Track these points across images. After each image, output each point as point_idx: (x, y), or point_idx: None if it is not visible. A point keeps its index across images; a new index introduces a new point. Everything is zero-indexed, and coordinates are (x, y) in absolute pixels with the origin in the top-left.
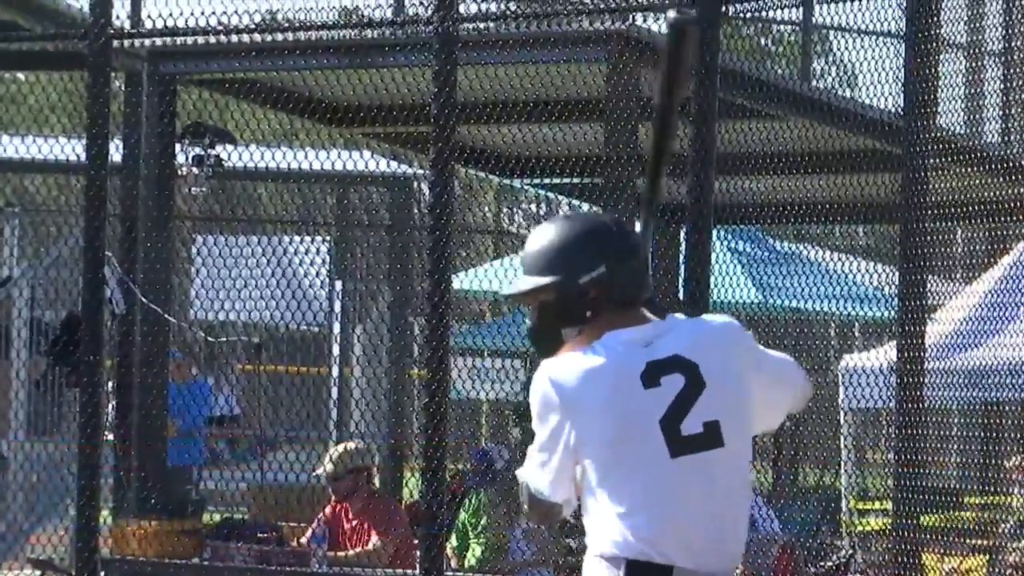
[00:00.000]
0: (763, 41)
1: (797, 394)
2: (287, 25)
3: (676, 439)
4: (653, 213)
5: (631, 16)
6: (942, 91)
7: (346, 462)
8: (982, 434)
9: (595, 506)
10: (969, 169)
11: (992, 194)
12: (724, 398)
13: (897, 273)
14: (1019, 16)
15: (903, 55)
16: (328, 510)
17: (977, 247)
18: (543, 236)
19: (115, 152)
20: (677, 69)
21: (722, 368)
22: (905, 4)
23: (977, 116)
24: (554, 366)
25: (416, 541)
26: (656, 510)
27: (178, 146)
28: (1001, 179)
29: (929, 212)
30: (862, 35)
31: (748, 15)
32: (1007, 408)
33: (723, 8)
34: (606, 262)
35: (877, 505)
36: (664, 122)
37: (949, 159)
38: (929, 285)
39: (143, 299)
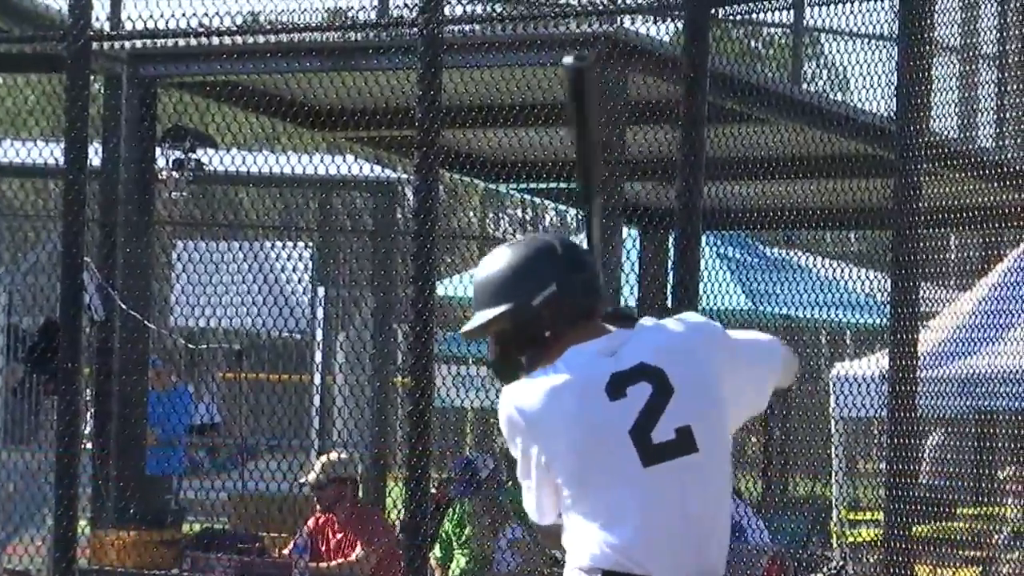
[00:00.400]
0: (753, 44)
1: (778, 369)
2: (269, 27)
3: (647, 448)
4: (600, 235)
5: (618, 18)
6: (935, 95)
7: (328, 472)
8: (975, 444)
9: (572, 522)
10: (963, 174)
11: (986, 200)
12: (694, 402)
13: (889, 280)
14: (1014, 19)
15: (895, 58)
16: (312, 522)
17: (971, 253)
18: (489, 268)
19: (94, 156)
20: (584, 112)
21: (689, 371)
22: (898, 6)
23: (971, 120)
24: (515, 390)
25: (400, 552)
26: (631, 521)
27: (158, 150)
28: (995, 184)
29: (922, 218)
30: (854, 38)
31: (738, 17)
32: (1001, 417)
33: (712, 10)
34: (555, 280)
35: (868, 515)
36: (588, 163)
37: (942, 164)
38: (922, 292)
39: (122, 305)
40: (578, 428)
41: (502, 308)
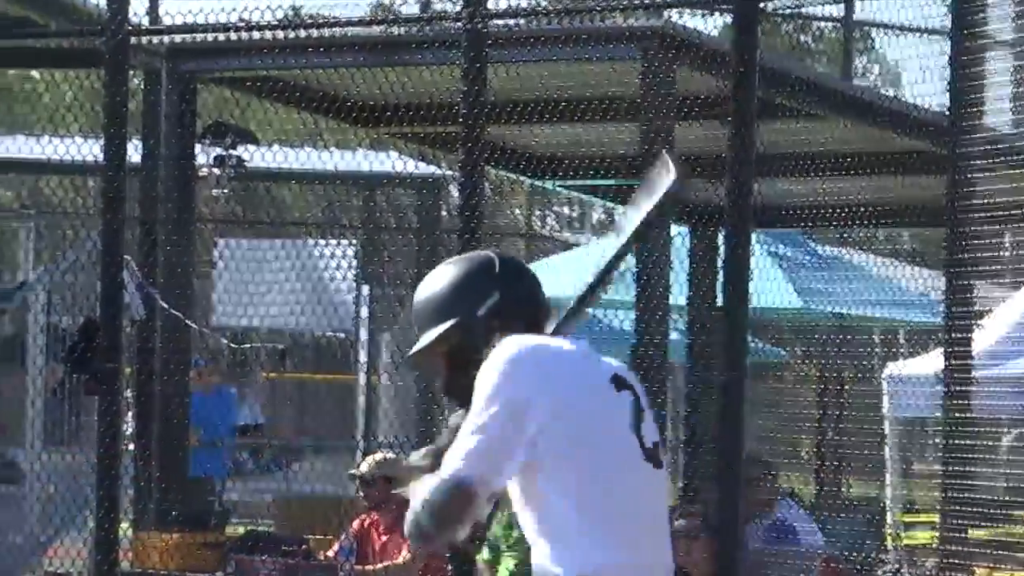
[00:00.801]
0: (803, 38)
1: None
2: (311, 21)
3: (644, 448)
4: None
5: (666, 12)
6: (989, 90)
7: (381, 468)
8: None
9: (562, 509)
10: (1018, 170)
11: None
12: (653, 426)
13: (943, 278)
14: None
15: (948, 52)
16: (357, 524)
17: None
18: (427, 289)
19: (133, 152)
20: (646, 224)
21: (645, 400)
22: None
23: None
24: (529, 338)
25: (447, 555)
26: (645, 511)
27: (198, 146)
28: None
29: (976, 215)
30: (905, 32)
31: (787, 11)
32: None
33: (761, 4)
34: (498, 289)
35: (924, 518)
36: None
37: (997, 160)
38: (977, 290)
39: (163, 304)
40: (591, 398)
41: (449, 323)
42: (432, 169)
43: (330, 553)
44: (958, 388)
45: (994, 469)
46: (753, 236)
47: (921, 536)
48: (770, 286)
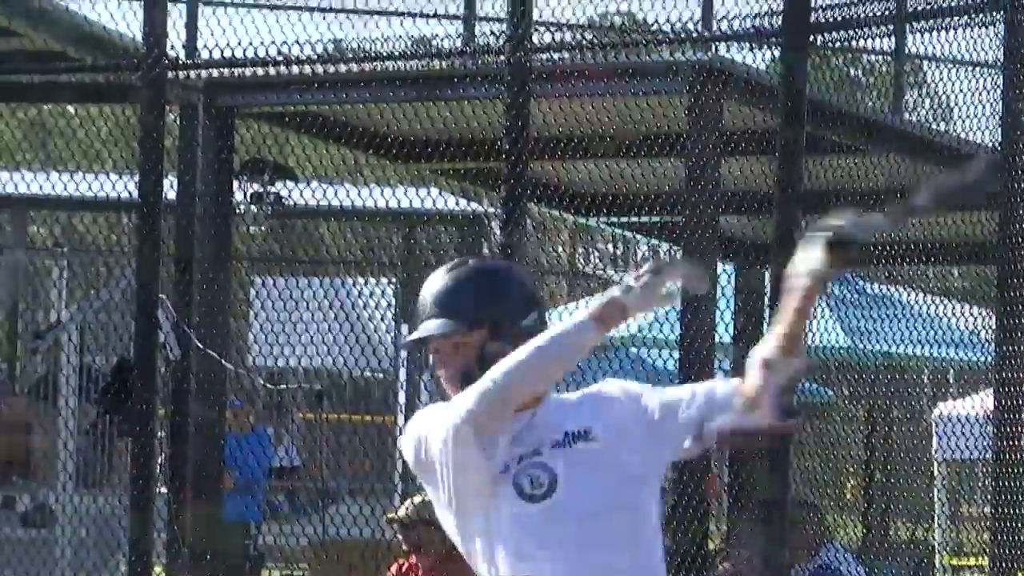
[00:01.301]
0: (853, 72)
1: None
2: (351, 55)
3: None
4: None
5: (713, 46)
6: None
7: (420, 512)
8: None
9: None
10: None
11: None
12: None
13: (994, 316)
14: None
15: (1000, 86)
16: (394, 568)
17: None
18: (469, 277)
19: (169, 189)
20: None
21: None
22: (1003, 32)
23: None
24: None
25: None
26: None
27: (236, 183)
28: None
29: None
30: (957, 65)
31: (837, 44)
32: None
33: (811, 37)
34: (536, 310)
35: (973, 561)
36: None
37: None
38: None
39: (198, 344)
40: None
41: (488, 317)
42: (473, 206)
43: None
44: (1008, 429)
45: None
46: None
47: None
48: (818, 324)
